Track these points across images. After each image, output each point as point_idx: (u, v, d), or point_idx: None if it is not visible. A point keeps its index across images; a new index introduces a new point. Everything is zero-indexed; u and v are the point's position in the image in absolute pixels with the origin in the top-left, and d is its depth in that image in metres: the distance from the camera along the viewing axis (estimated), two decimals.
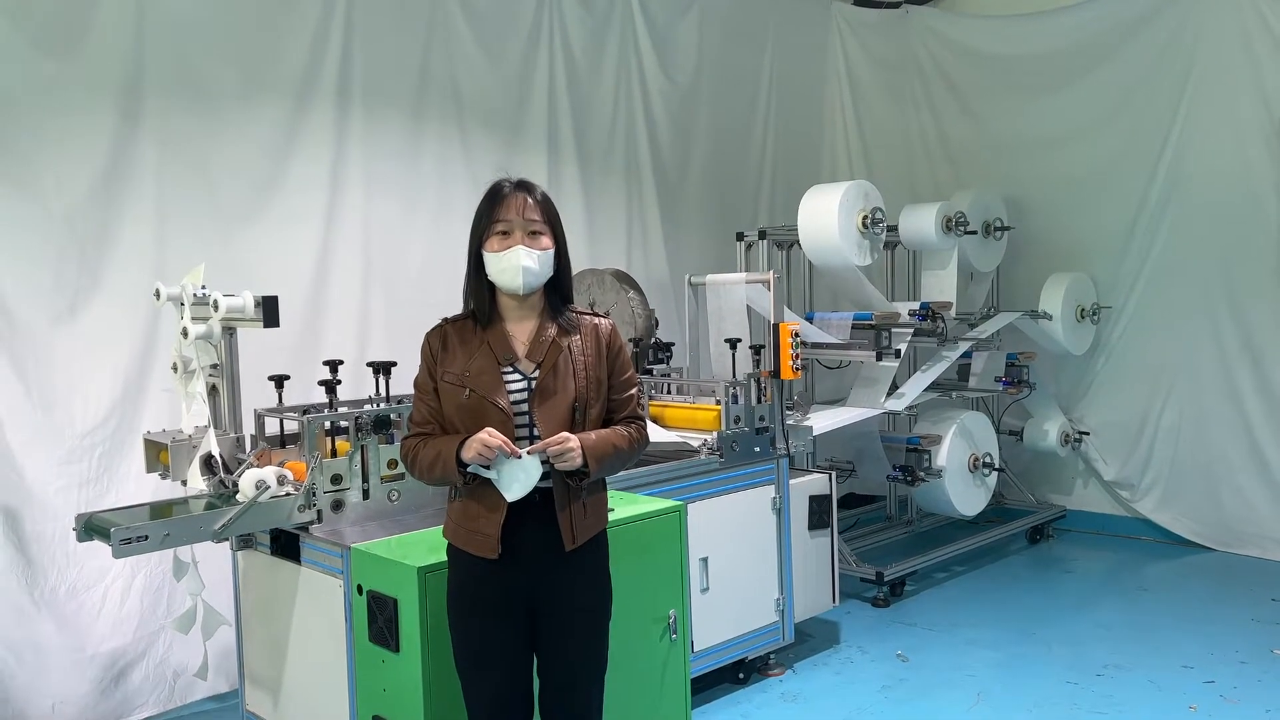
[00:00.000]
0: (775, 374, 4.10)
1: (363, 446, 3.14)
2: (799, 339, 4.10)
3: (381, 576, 2.76)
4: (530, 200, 2.38)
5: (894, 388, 5.12)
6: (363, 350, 4.36)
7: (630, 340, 4.54)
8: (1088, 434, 6.17)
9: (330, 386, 3.23)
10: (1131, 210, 6.03)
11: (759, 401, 4.08)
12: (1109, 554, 5.95)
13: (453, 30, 4.85)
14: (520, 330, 2.43)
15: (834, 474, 4.40)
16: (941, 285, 5.41)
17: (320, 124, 4.41)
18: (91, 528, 2.93)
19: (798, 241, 5.14)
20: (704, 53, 6.05)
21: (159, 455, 3.31)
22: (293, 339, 4.18)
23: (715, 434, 3.93)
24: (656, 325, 4.91)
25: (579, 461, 2.30)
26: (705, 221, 6.10)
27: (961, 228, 5.39)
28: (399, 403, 3.46)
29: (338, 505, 3.09)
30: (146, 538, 2.76)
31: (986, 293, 6.03)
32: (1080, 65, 6.19)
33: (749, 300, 4.29)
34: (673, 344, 4.54)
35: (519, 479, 2.30)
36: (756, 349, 4.12)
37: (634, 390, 2.52)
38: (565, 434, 2.30)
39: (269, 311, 3.03)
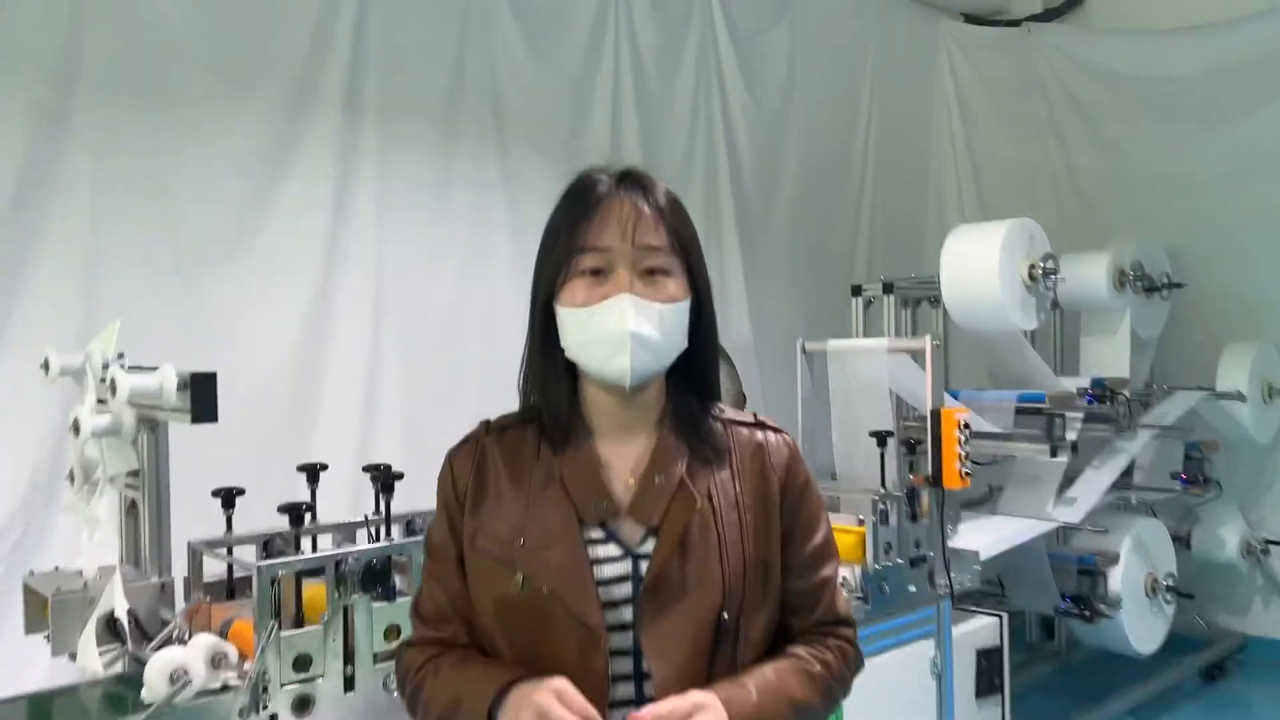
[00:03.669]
0: (935, 481, 2.94)
1: (346, 608, 2.01)
2: (968, 431, 2.94)
3: None
4: (646, 209, 1.27)
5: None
6: (366, 445, 3.24)
7: None
8: (1276, 543, 4.92)
9: (296, 514, 2.09)
10: None
11: (913, 520, 2.91)
12: None
13: (494, 23, 3.81)
14: (621, 454, 1.30)
15: (1005, 617, 3.20)
16: (1110, 357, 4.24)
17: (319, 139, 3.34)
18: None
19: (930, 298, 4.01)
20: (795, 69, 4.98)
21: (43, 610, 2.19)
22: (272, 428, 3.11)
23: (858, 569, 2.76)
24: (744, 404, 3.79)
25: None
26: (793, 269, 4.99)
27: (1140, 283, 4.23)
28: (409, 530, 2.34)
29: (303, 704, 1.94)
30: None
31: (1149, 365, 4.83)
32: (1249, 90, 5.05)
33: (891, 377, 3.14)
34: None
35: None
36: (910, 445, 2.96)
37: (831, 570, 1.38)
38: (696, 697, 1.16)
39: (200, 397, 1.91)
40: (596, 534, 1.24)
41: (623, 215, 1.24)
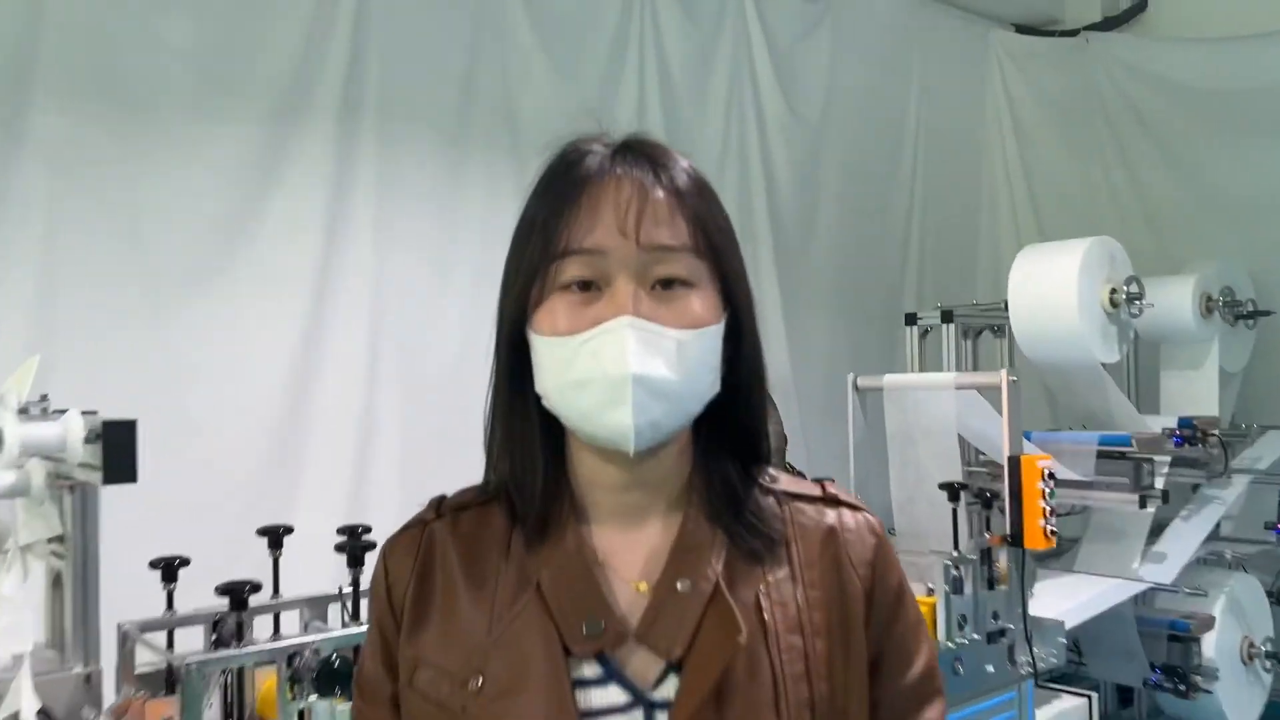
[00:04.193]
0: (1014, 540, 2.51)
1: (301, 713, 1.61)
2: (1053, 481, 2.51)
3: None
4: (659, 192, 0.87)
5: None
6: (360, 501, 2.87)
7: None
8: None
9: (238, 596, 1.70)
10: None
11: (990, 587, 2.48)
12: None
13: (509, 30, 3.46)
14: (627, 548, 0.89)
15: (1094, 697, 2.75)
16: (1195, 392, 3.78)
17: (312, 151, 2.98)
18: None
19: (993, 327, 3.59)
20: (835, 82, 4.60)
21: None
22: (250, 480, 2.74)
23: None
24: (786, 445, 3.39)
25: None
26: (836, 298, 4.57)
27: (1231, 310, 3.79)
28: None
29: None
30: None
31: (1234, 403, 4.36)
32: None
33: (960, 417, 2.72)
34: (829, 481, 2.96)
35: None
36: (985, 499, 2.53)
37: (936, 712, 0.96)
38: None
39: (115, 451, 1.54)
40: (590, 671, 0.84)
41: (622, 201, 0.86)
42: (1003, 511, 2.55)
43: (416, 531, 0.95)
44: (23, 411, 1.77)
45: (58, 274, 2.56)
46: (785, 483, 0.97)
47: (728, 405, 0.91)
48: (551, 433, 0.91)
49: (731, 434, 0.93)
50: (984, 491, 2.55)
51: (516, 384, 0.90)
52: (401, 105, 3.16)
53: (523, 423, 0.91)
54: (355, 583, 1.80)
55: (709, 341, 0.87)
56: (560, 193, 0.87)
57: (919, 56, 5.00)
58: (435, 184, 3.21)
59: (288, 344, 2.90)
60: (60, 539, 1.83)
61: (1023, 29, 5.47)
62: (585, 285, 0.85)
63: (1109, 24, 5.38)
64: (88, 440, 1.54)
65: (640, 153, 0.90)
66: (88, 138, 2.61)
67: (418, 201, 3.18)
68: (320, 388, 2.93)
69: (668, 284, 0.85)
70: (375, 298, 3.07)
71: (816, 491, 0.97)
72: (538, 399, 0.89)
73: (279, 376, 2.87)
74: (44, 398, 1.85)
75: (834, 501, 0.97)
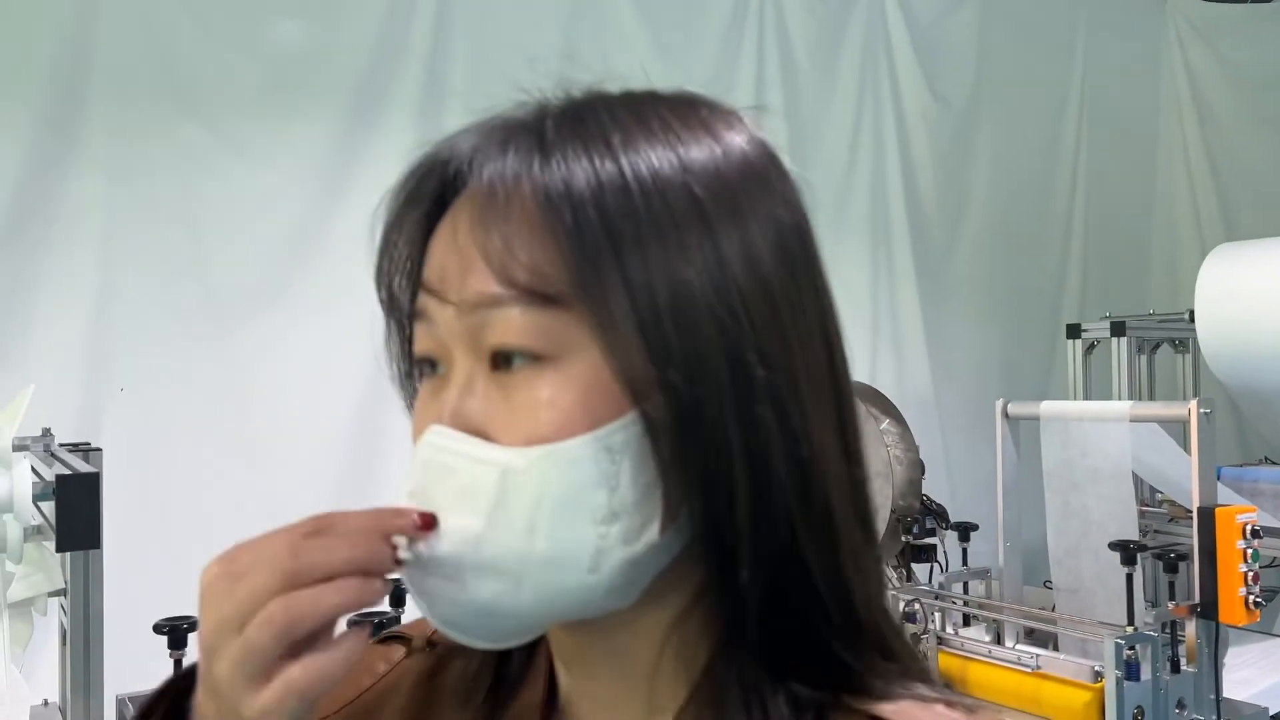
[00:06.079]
0: (1206, 613, 2.02)
1: None
2: (1258, 540, 2.01)
3: None
4: (487, 204, 0.50)
5: None
6: None
7: (891, 513, 2.65)
8: None
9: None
10: None
11: (1175, 669, 2.00)
12: None
13: (610, 10, 3.16)
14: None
15: None
16: None
17: (389, 151, 2.75)
18: None
19: (1173, 341, 3.05)
20: (985, 62, 4.11)
21: None
22: (323, 502, 2.50)
23: None
24: (921, 475, 2.96)
25: None
26: (985, 306, 4.08)
27: None
28: None
29: None
30: None
31: None
32: None
33: (1135, 455, 2.24)
34: (973, 527, 2.52)
35: None
36: (1170, 560, 2.05)
37: None
38: None
39: (70, 512, 1.28)
40: None
41: (450, 231, 0.53)
42: (1189, 568, 2.06)
43: (392, 651, 0.64)
44: (21, 449, 1.56)
45: (113, 289, 2.40)
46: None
47: (729, 570, 0.49)
48: None
49: (783, 607, 0.49)
50: (1168, 552, 2.07)
51: None
52: (489, 97, 2.87)
53: None
54: None
55: (575, 467, 0.47)
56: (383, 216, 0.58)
57: (1083, 29, 4.45)
58: None
59: (362, 364, 2.65)
60: (63, 593, 1.62)
61: None
62: (434, 365, 0.54)
63: None
64: (40, 497, 1.29)
65: (535, 120, 0.54)
66: (145, 145, 2.44)
67: None
68: (399, 412, 2.69)
69: (507, 360, 0.50)
70: None
71: None
72: None
73: (353, 401, 2.63)
74: (46, 432, 1.64)
75: None
